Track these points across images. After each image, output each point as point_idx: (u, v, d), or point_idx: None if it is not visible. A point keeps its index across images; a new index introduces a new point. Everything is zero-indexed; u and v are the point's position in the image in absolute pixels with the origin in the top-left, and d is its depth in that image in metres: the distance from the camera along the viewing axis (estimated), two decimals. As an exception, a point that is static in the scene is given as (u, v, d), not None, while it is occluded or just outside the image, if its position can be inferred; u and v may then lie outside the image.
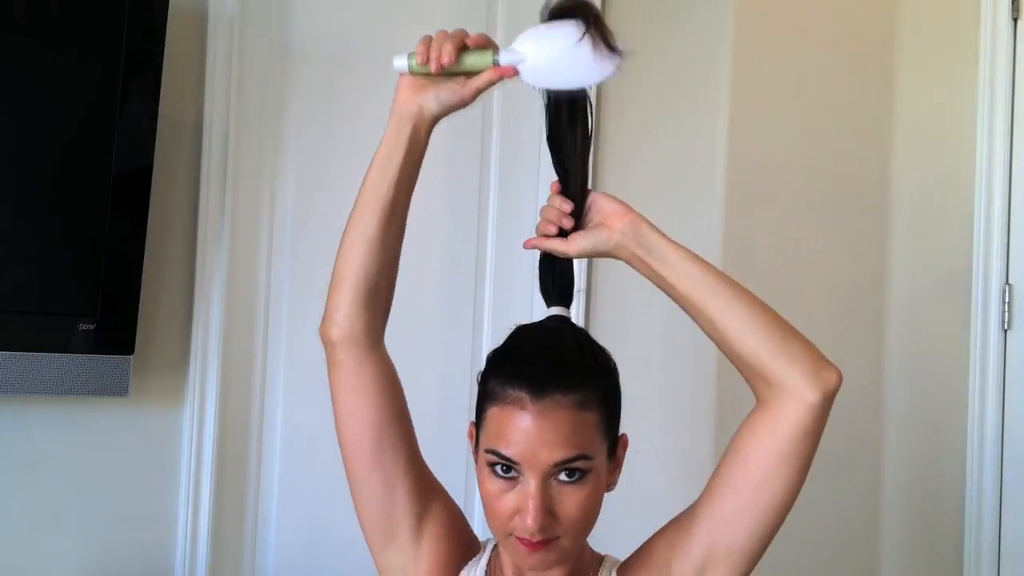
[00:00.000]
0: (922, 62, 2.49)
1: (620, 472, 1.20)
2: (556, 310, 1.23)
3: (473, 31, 2.03)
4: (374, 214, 1.21)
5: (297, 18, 1.89)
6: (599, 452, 1.14)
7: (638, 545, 1.23)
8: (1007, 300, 2.44)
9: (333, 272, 1.23)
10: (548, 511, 1.10)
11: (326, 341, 1.22)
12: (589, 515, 1.14)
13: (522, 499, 1.10)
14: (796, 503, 2.40)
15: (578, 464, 1.11)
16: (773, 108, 2.31)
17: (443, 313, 2.00)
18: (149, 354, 1.74)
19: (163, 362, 1.78)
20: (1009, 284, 2.45)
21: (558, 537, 1.12)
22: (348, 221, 1.23)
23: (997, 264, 2.45)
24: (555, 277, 1.24)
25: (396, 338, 1.94)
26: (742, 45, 2.24)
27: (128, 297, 1.65)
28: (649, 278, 1.18)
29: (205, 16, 1.79)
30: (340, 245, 1.23)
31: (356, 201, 1.23)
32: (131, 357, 1.65)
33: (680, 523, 1.19)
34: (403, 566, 1.23)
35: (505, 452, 1.11)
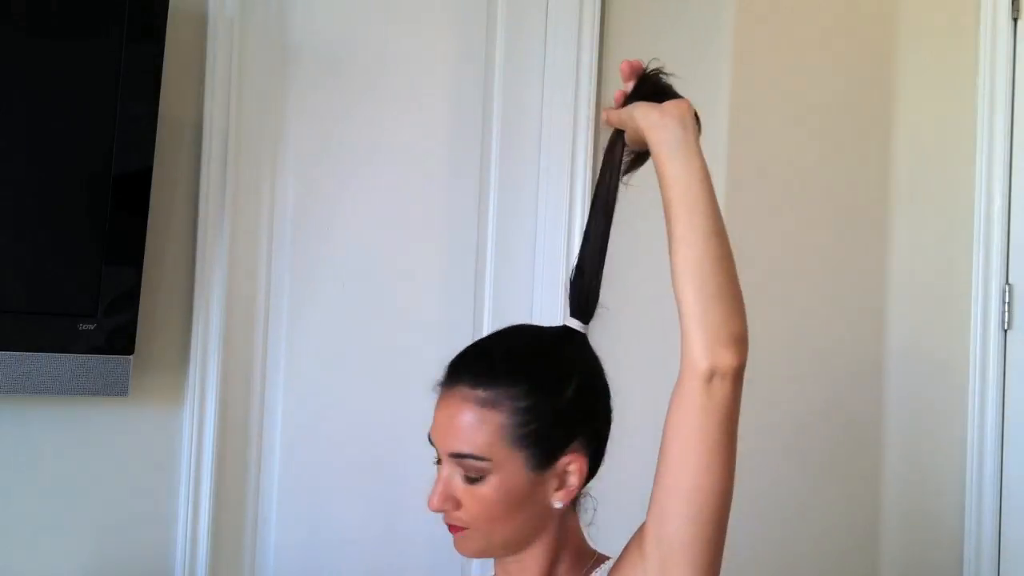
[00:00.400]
0: (922, 62, 2.49)
1: (574, 492, 1.17)
2: (573, 323, 1.21)
3: (473, 31, 2.04)
4: None
5: (297, 18, 1.89)
6: (504, 458, 1.12)
7: None
8: (1007, 300, 2.44)
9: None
10: (448, 497, 1.14)
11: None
12: (493, 516, 1.13)
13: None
14: (795, 502, 2.40)
15: (470, 462, 1.12)
16: (773, 108, 2.31)
17: (443, 313, 2.00)
18: (149, 354, 1.74)
19: (163, 362, 1.78)
20: (1009, 284, 2.45)
21: (467, 528, 1.15)
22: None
23: (997, 264, 2.45)
24: (578, 292, 1.21)
25: (396, 339, 1.95)
26: (742, 46, 2.24)
27: (128, 297, 1.65)
28: (658, 167, 1.15)
29: (205, 16, 1.79)
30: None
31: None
32: (131, 357, 1.65)
33: (643, 521, 1.17)
34: None
35: (429, 432, 1.16)
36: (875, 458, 2.41)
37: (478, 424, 1.12)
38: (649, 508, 1.13)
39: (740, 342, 1.06)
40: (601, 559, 1.23)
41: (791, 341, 2.28)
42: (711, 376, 1.05)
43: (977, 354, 2.46)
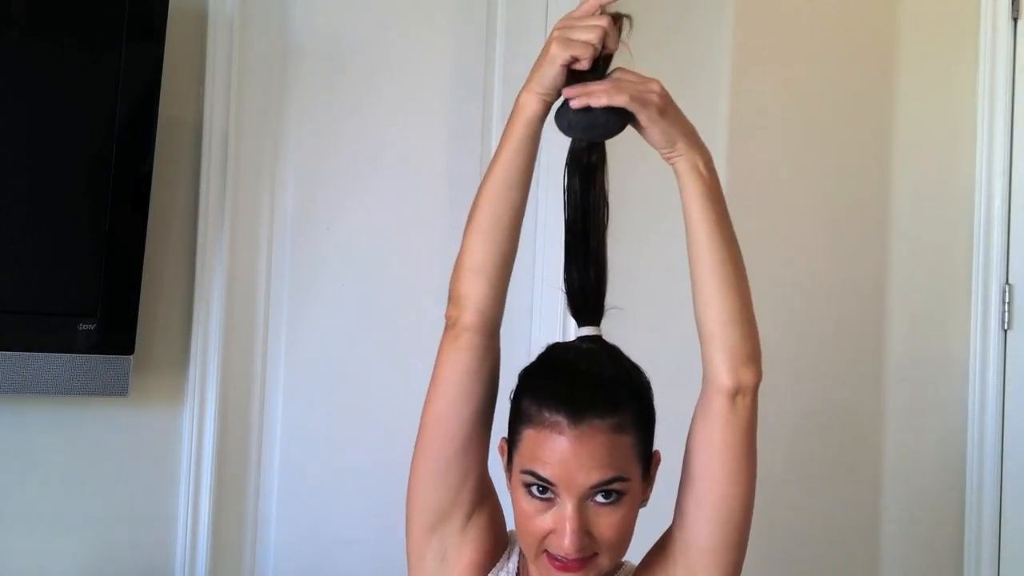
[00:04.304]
0: (922, 62, 2.49)
1: (652, 488, 1.21)
2: (588, 330, 1.21)
3: (473, 31, 2.05)
4: (520, 193, 1.21)
5: (297, 18, 1.89)
6: (635, 473, 1.14)
7: None
8: (1007, 300, 2.44)
9: (468, 258, 1.20)
10: (584, 532, 1.12)
11: (459, 325, 1.20)
12: (625, 534, 1.15)
13: (558, 520, 1.12)
14: (796, 502, 2.39)
15: (615, 486, 1.12)
16: (773, 108, 2.31)
17: (443, 314, 1.99)
18: (149, 354, 1.74)
19: (163, 362, 1.78)
20: (1009, 284, 2.45)
21: (596, 554, 1.13)
22: (487, 205, 1.20)
23: (997, 264, 2.45)
24: (586, 296, 1.21)
25: (397, 340, 1.95)
26: (742, 46, 2.24)
27: (128, 297, 1.65)
28: (692, 202, 1.17)
29: (205, 16, 1.79)
30: (478, 230, 1.20)
31: (495, 185, 1.20)
32: (131, 357, 1.65)
33: (667, 530, 1.21)
34: (444, 551, 1.23)
35: (542, 473, 1.12)
36: (875, 458, 2.41)
37: (617, 449, 1.12)
38: (676, 517, 1.19)
39: (758, 360, 1.15)
40: (619, 564, 1.24)
41: (791, 341, 2.28)
42: (735, 393, 1.13)
43: (977, 354, 2.46)
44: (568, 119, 1.16)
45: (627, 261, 2.12)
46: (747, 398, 1.14)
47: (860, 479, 2.39)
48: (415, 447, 1.22)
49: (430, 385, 1.22)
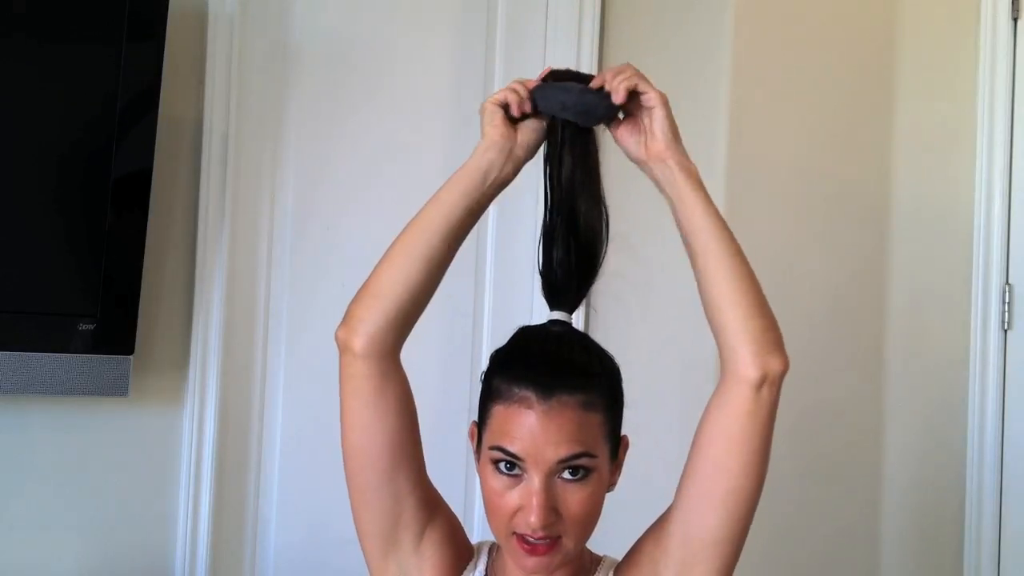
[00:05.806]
0: (922, 62, 2.49)
1: (620, 473, 1.21)
2: (558, 315, 1.23)
3: (473, 31, 2.04)
4: (443, 239, 1.22)
5: (297, 18, 1.89)
6: (602, 452, 1.15)
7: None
8: (1007, 300, 2.44)
9: (371, 283, 1.21)
10: (551, 508, 1.11)
11: (348, 350, 1.21)
12: (591, 514, 1.15)
13: (525, 496, 1.12)
14: (796, 502, 2.39)
15: (582, 462, 1.12)
16: (773, 108, 2.31)
17: (443, 313, 1.99)
18: (149, 354, 1.74)
19: (163, 362, 1.78)
20: (1009, 284, 2.45)
21: (560, 537, 1.13)
22: (405, 238, 1.22)
23: (997, 264, 2.45)
24: (567, 280, 1.23)
25: (396, 338, 1.95)
26: (742, 46, 2.24)
27: (128, 297, 1.65)
28: (686, 197, 1.20)
29: (205, 16, 1.79)
30: (388, 259, 1.21)
31: (420, 222, 1.23)
32: (131, 357, 1.65)
33: (662, 519, 1.20)
34: (405, 571, 1.23)
35: (510, 448, 1.12)
36: (875, 458, 2.40)
37: (585, 425, 1.13)
38: (676, 509, 1.17)
39: (783, 347, 1.16)
40: (599, 558, 1.25)
41: (790, 340, 2.27)
42: (761, 383, 1.13)
43: (977, 354, 2.46)
44: (561, 100, 1.20)
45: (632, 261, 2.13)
46: (773, 388, 1.13)
47: (860, 479, 2.39)
48: (346, 480, 1.24)
49: (340, 416, 1.23)
